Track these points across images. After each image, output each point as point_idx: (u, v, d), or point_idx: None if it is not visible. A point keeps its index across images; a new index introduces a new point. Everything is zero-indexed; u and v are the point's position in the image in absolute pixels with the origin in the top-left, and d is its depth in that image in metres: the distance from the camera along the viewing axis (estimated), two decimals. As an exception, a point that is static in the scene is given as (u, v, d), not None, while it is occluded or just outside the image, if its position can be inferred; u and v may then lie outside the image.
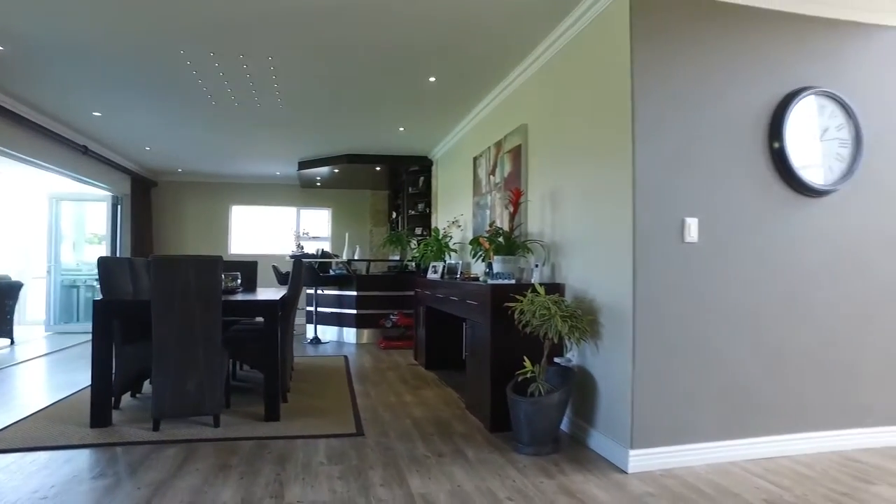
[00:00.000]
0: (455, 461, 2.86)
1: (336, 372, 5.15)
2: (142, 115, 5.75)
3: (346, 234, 8.55)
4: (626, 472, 2.70)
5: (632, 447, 2.72)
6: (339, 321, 7.22)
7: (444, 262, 5.28)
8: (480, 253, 3.85)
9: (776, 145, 2.94)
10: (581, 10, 3.21)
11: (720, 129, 2.89)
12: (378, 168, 8.00)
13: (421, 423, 3.54)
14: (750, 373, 2.92)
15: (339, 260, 7.47)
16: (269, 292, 4.54)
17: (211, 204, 9.65)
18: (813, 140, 3.02)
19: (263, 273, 8.20)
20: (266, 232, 9.93)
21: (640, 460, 2.72)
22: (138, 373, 3.64)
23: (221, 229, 9.70)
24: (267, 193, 9.86)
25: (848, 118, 3.08)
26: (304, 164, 8.09)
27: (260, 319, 4.35)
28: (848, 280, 3.12)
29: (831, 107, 3.06)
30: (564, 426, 3.37)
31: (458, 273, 4.93)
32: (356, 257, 7.67)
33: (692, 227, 2.79)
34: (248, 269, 5.26)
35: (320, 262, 7.29)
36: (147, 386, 4.39)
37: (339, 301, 7.20)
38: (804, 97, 2.98)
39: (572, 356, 3.32)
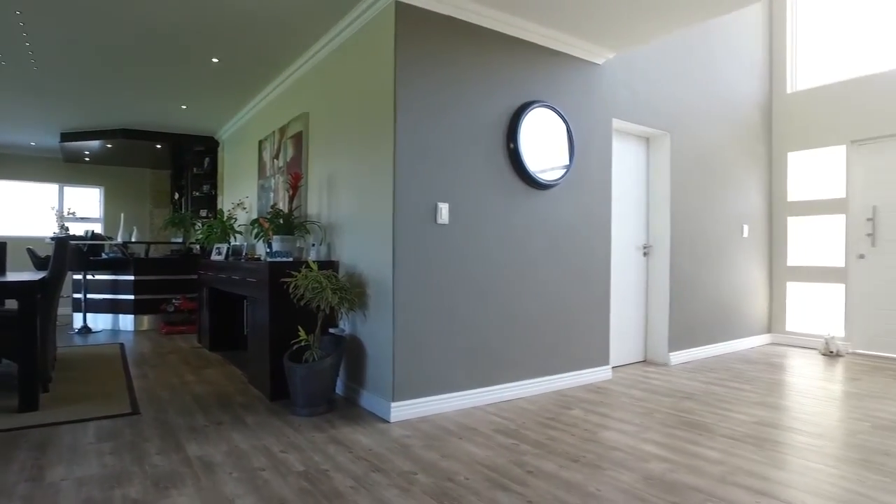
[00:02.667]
0: (234, 427, 3.04)
1: (110, 359, 4.87)
2: None
3: (122, 215, 7.89)
4: (389, 422, 3.15)
5: (393, 400, 3.17)
6: (113, 308, 6.71)
7: (229, 243, 5.28)
8: (261, 233, 4.01)
9: (512, 146, 3.60)
10: (354, 16, 3.55)
11: (470, 129, 3.46)
12: (159, 146, 7.52)
13: (202, 399, 3.62)
14: (492, 333, 3.57)
15: (113, 242, 6.91)
16: (24, 276, 4.14)
17: (-60, 177, 8.13)
18: (540, 142, 3.75)
19: (15, 257, 7.23)
20: (18, 210, 8.66)
21: (401, 411, 3.19)
22: None
23: (-44, 207, 8.23)
24: (18, 166, 8.59)
25: (565, 126, 3.89)
26: (68, 136, 7.27)
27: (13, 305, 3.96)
28: (564, 256, 3.95)
29: (554, 117, 3.83)
30: (340, 390, 3.73)
31: (244, 254, 4.99)
32: (133, 240, 7.16)
33: (444, 210, 3.32)
34: (-5, 252, 4.69)
35: (90, 245, 6.67)
36: None
37: (114, 286, 6.69)
38: (534, 108, 3.70)
39: (345, 326, 3.69)
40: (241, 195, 6.22)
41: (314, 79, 4.30)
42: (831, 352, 5.17)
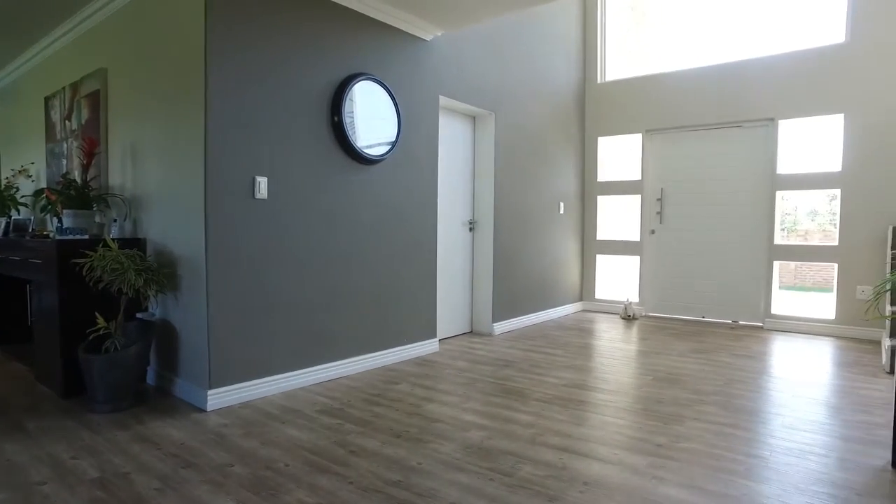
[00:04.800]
0: (8, 437, 2.61)
1: None
2: None
3: None
4: (206, 411, 2.94)
5: (210, 387, 2.96)
6: None
7: (10, 217, 4.51)
8: (48, 206, 3.46)
9: (336, 119, 3.49)
10: (157, -40, 3.14)
11: (292, 99, 3.28)
12: None
13: (-31, 403, 3.07)
14: (318, 311, 3.47)
15: None
16: None
17: None
18: (367, 116, 3.68)
19: None
20: None
21: (219, 398, 2.99)
22: None
23: None
24: None
25: (392, 101, 3.86)
26: None
27: None
28: (392, 231, 3.96)
29: (381, 91, 3.78)
30: (151, 379, 3.40)
31: (31, 230, 4.30)
32: None
33: (262, 185, 3.13)
34: None
35: None
36: None
37: None
38: (360, 81, 3.61)
39: (155, 310, 3.35)
40: (25, 160, 5.31)
41: (114, 30, 3.76)
42: (629, 316, 5.88)
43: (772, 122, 5.32)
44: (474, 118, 5.05)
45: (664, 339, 4.85)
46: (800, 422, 2.84)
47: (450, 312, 4.85)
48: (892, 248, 4.62)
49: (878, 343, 4.77)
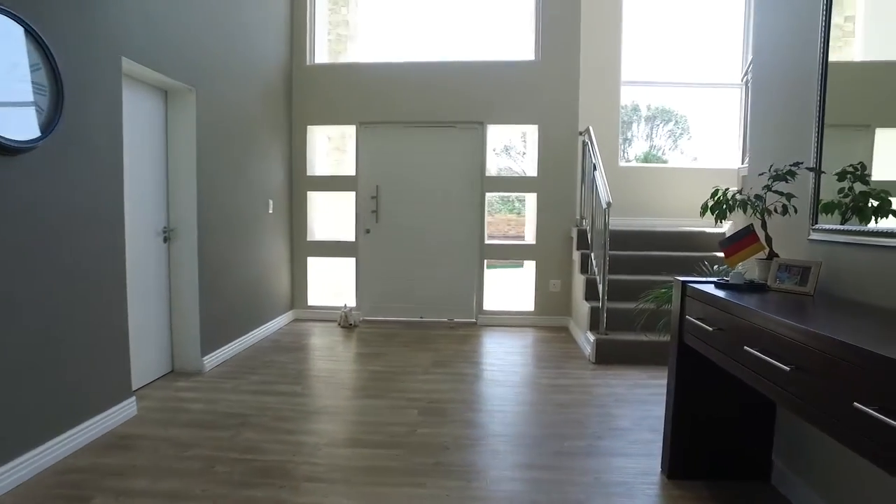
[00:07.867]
0: None
1: None
2: None
3: None
4: None
5: None
6: None
7: None
8: None
9: (-55, 77, 2.04)
10: None
11: None
12: None
13: None
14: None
15: None
16: None
17: None
18: None
19: None
20: None
21: None
22: None
23: None
24: None
25: (46, 56, 2.49)
26: None
27: None
28: (56, 254, 2.60)
29: (19, 34, 2.38)
30: None
31: None
32: None
33: None
34: None
35: None
36: None
37: None
38: (-11, 17, 2.19)
39: None
40: None
41: None
42: (350, 324, 5.42)
43: (481, 125, 5.49)
44: (166, 92, 3.80)
45: (398, 352, 4.54)
46: (576, 443, 2.82)
47: (143, 352, 3.57)
48: (578, 248, 5.25)
49: (567, 329, 5.41)
